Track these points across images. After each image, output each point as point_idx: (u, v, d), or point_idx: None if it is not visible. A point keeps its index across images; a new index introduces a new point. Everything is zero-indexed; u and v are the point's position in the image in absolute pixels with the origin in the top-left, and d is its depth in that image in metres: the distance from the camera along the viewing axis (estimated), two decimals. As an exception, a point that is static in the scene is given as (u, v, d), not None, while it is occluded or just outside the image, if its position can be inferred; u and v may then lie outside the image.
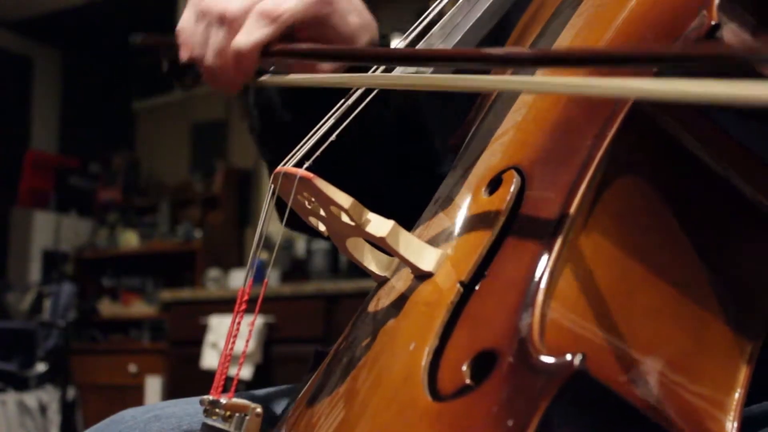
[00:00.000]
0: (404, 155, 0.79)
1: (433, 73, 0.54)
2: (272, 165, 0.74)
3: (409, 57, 0.51)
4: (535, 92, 0.48)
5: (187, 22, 0.63)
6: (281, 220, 0.61)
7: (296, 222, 0.55)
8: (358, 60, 0.56)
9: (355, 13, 0.64)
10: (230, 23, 0.59)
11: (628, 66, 0.38)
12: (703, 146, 0.43)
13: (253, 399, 0.50)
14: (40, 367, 4.01)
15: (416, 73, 0.55)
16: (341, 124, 0.57)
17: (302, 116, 0.62)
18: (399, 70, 0.56)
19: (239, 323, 0.50)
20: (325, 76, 0.61)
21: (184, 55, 0.63)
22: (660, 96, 0.33)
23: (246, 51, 0.59)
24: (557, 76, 0.46)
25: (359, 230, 0.48)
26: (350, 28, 0.64)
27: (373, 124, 0.74)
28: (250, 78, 0.61)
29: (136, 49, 0.69)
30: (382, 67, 0.56)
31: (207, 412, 0.49)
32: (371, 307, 0.52)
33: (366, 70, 0.57)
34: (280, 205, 0.67)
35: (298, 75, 0.60)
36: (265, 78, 0.61)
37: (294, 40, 0.61)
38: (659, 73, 0.38)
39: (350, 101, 0.58)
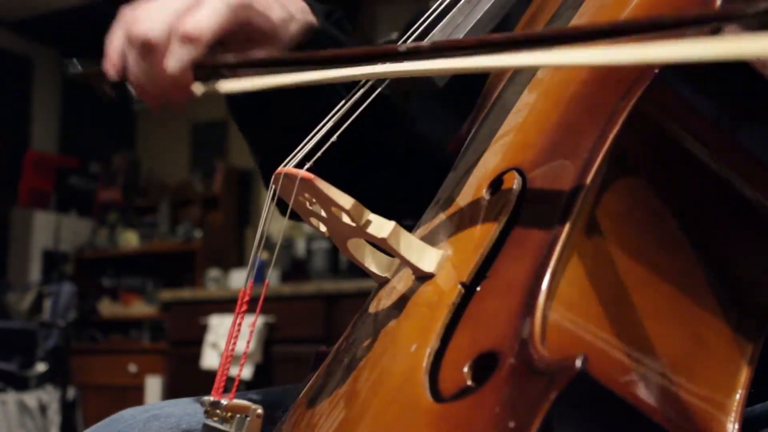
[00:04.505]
0: (404, 158, 0.79)
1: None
2: (264, 169, 0.75)
3: (328, 59, 0.52)
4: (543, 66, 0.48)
5: (116, 46, 0.64)
6: (282, 215, 0.61)
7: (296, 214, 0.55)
8: (283, 65, 0.57)
9: (277, 7, 0.65)
10: (156, 50, 0.61)
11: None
12: (704, 148, 0.43)
13: (253, 399, 0.50)
14: (40, 367, 4.01)
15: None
16: (342, 126, 0.57)
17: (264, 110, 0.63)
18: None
19: (240, 324, 0.50)
20: (263, 79, 0.61)
21: (113, 75, 0.65)
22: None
23: (177, 74, 0.61)
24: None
25: (360, 231, 0.48)
26: (274, 23, 0.64)
27: (372, 127, 0.74)
28: (191, 94, 0.63)
29: (71, 79, 0.71)
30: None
31: (208, 413, 0.49)
32: (372, 308, 0.52)
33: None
34: (280, 202, 0.67)
35: (241, 80, 0.61)
36: (211, 86, 0.63)
37: (222, 44, 0.62)
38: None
39: (350, 103, 0.58)
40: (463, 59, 0.45)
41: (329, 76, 0.53)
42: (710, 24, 0.35)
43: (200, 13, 0.61)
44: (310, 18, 0.68)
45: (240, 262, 4.68)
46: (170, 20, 0.60)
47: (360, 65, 0.51)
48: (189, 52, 0.60)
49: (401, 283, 0.50)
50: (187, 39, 0.60)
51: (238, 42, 0.63)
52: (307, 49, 0.66)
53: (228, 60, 0.61)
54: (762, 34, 0.31)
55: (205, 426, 0.49)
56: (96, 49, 0.69)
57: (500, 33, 0.45)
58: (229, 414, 0.48)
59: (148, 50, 0.61)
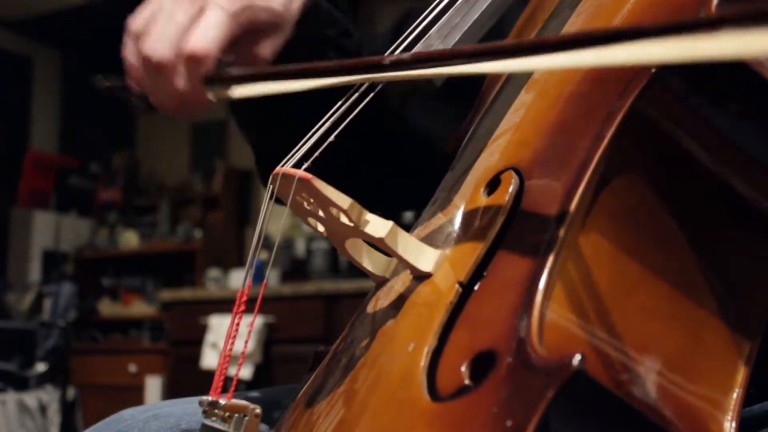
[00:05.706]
0: (402, 157, 0.79)
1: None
2: (261, 168, 0.76)
3: (328, 70, 0.53)
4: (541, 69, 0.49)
5: (131, 62, 0.65)
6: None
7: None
8: (288, 78, 0.57)
9: None
10: (165, 70, 0.62)
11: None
12: (702, 148, 0.44)
13: (252, 399, 0.50)
14: (40, 367, 4.02)
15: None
16: (340, 125, 0.57)
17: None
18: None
19: (238, 324, 0.50)
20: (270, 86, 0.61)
21: (136, 89, 0.66)
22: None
23: (189, 90, 0.62)
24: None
25: (358, 231, 0.48)
26: (277, 12, 0.64)
27: (370, 124, 0.74)
28: (205, 104, 0.64)
29: (102, 93, 0.71)
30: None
31: (206, 413, 0.49)
32: (370, 308, 0.52)
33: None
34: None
35: (251, 85, 0.62)
36: (224, 93, 0.63)
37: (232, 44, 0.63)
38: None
39: (348, 102, 0.58)
40: (446, 67, 0.45)
41: (329, 82, 0.54)
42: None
43: (203, 26, 0.61)
44: None
45: (240, 262, 4.68)
46: (175, 38, 0.61)
47: (353, 74, 0.53)
48: (197, 70, 0.61)
49: (399, 282, 0.50)
50: (194, 59, 0.60)
51: (247, 38, 0.63)
52: (307, 24, 0.66)
53: (236, 73, 0.61)
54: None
55: (204, 426, 0.49)
56: (95, 50, 0.70)
57: (474, 44, 0.46)
58: (227, 414, 0.48)
59: (158, 71, 0.62)
